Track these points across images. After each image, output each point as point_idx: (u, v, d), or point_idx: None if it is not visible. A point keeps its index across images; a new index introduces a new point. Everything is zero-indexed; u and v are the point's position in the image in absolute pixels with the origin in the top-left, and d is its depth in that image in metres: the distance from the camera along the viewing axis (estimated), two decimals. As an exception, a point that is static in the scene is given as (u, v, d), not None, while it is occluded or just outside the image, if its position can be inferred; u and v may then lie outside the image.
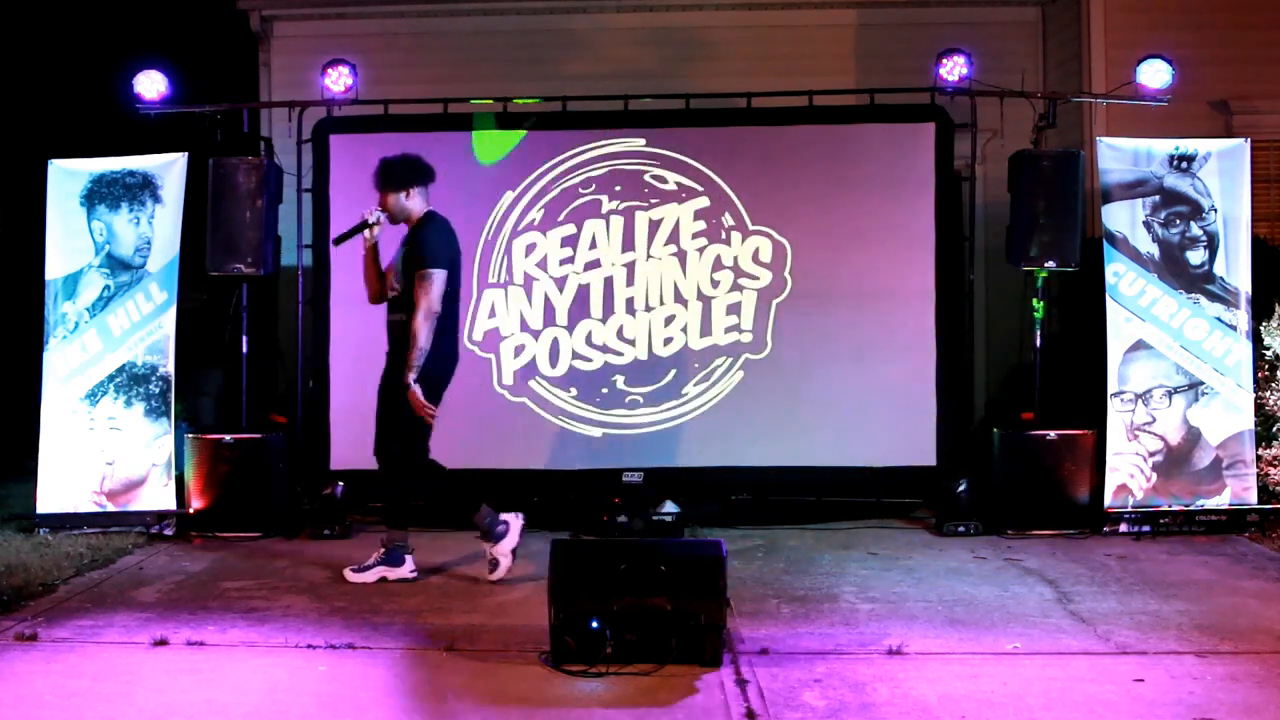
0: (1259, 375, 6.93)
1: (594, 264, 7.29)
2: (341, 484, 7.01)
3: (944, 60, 7.08)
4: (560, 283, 7.31)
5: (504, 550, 5.76)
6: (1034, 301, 7.02)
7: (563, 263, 7.30)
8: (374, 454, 5.82)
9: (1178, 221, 6.90)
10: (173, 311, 6.97)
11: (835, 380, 7.25)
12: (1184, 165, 6.92)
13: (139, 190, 7.05)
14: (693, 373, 7.29)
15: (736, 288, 7.29)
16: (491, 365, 7.32)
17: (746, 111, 7.43)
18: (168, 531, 6.81)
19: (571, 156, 7.33)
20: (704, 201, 7.29)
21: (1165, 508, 6.75)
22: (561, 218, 7.31)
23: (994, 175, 7.65)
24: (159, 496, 6.87)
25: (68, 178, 7.06)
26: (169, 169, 7.06)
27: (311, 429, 7.28)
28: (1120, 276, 6.87)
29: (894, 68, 8.10)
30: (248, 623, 5.10)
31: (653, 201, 7.30)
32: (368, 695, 4.23)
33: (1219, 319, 6.82)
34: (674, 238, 7.29)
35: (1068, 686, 4.27)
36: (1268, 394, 6.96)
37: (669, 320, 7.29)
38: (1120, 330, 6.85)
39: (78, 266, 7.00)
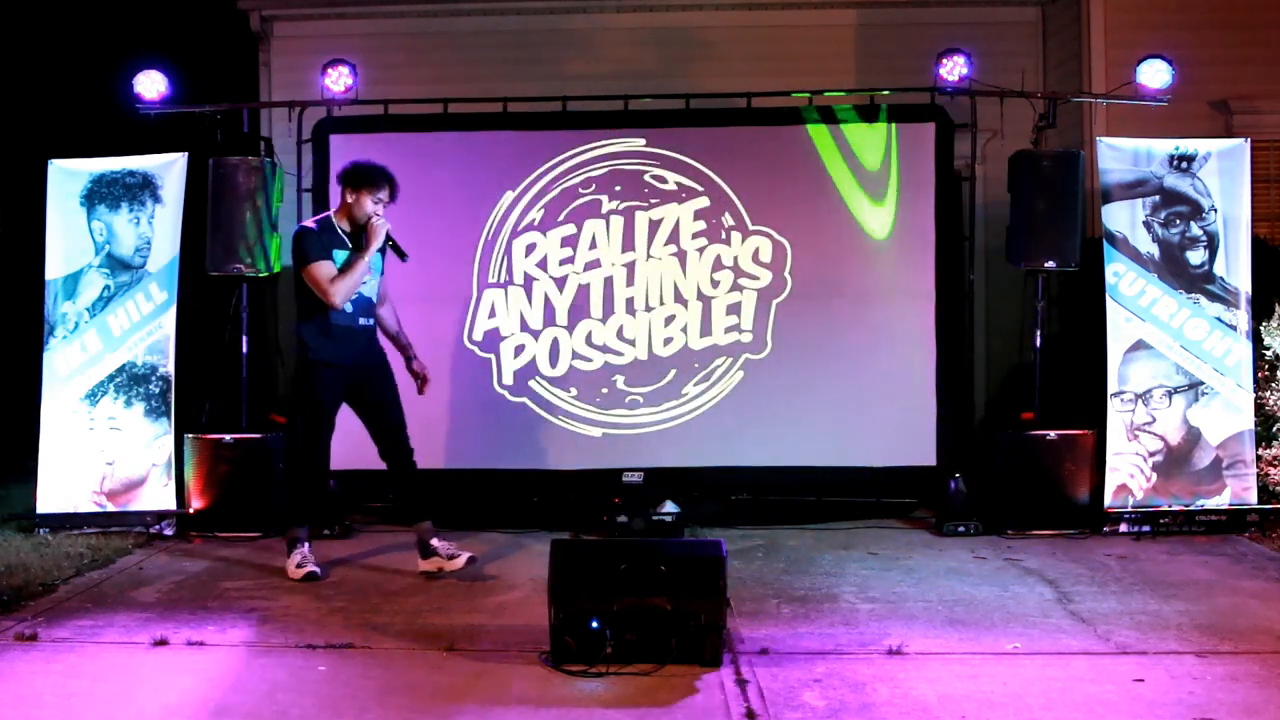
0: (1259, 375, 6.93)
1: (594, 264, 7.29)
2: (335, 483, 7.03)
3: (944, 60, 7.07)
4: (560, 283, 7.30)
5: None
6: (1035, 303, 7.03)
7: (563, 263, 7.30)
8: (409, 453, 6.02)
9: (1178, 221, 6.90)
10: (173, 311, 6.97)
11: (835, 380, 7.24)
12: (1184, 165, 6.92)
13: (139, 190, 7.05)
14: (693, 373, 7.28)
15: (736, 288, 7.29)
16: (491, 365, 7.32)
17: (746, 111, 7.43)
18: (168, 531, 6.81)
19: (571, 156, 7.33)
20: (704, 201, 7.28)
21: (1165, 508, 6.75)
22: (561, 218, 7.31)
23: (994, 175, 7.65)
24: (159, 496, 6.87)
25: (68, 178, 7.06)
26: (169, 169, 7.06)
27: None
28: (1120, 276, 6.87)
29: (894, 68, 8.09)
30: (248, 623, 5.10)
31: (653, 201, 7.30)
32: (368, 695, 4.23)
33: (1219, 319, 6.82)
34: (674, 238, 7.28)
35: (1068, 686, 4.27)
36: (1268, 394, 6.96)
37: (669, 320, 7.29)
38: (1120, 330, 6.85)
39: (78, 266, 7.00)
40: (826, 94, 7.35)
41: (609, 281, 7.29)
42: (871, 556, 6.30)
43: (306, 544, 5.83)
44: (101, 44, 11.46)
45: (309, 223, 6.06)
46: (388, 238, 5.89)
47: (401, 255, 6.00)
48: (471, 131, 7.45)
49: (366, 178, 5.84)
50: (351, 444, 7.26)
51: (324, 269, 5.76)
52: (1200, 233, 6.89)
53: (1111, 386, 6.82)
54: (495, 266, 7.33)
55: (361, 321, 5.90)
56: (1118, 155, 6.96)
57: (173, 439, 6.92)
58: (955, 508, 6.89)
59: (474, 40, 9.16)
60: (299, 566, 5.76)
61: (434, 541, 5.86)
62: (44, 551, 6.25)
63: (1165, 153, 6.94)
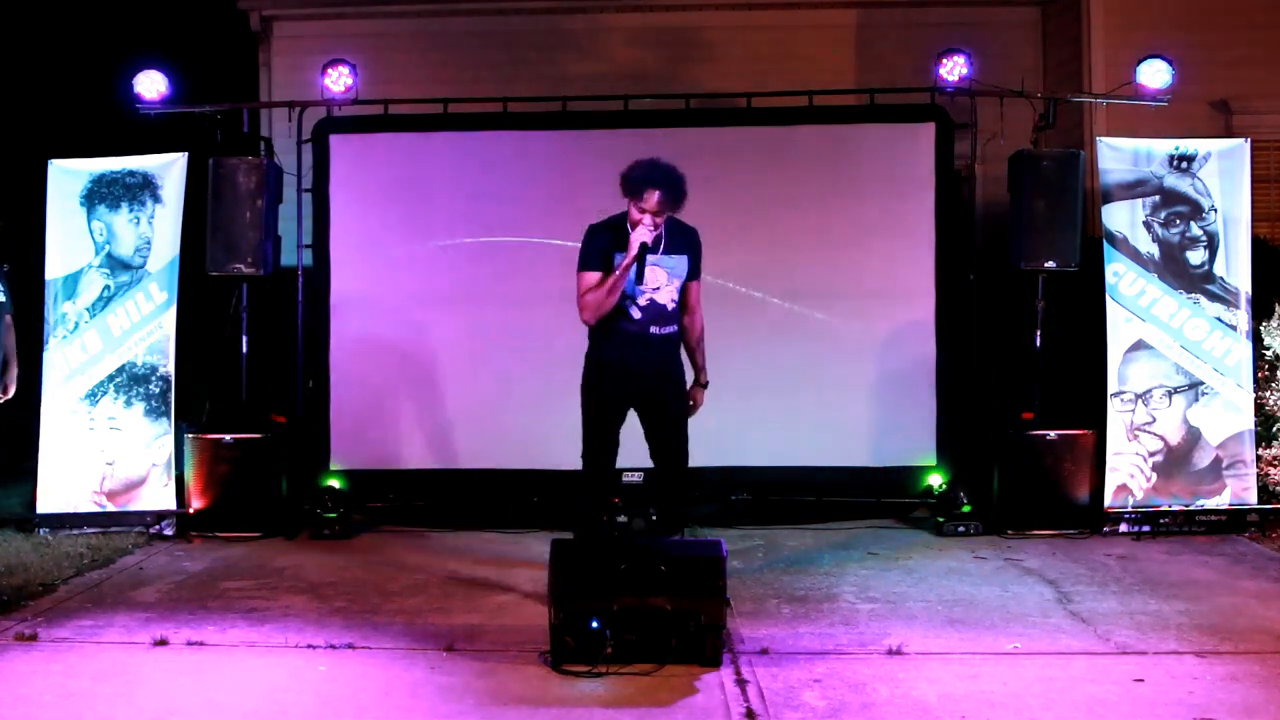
0: (1259, 375, 6.93)
1: (594, 264, 7.27)
2: (335, 483, 7.07)
3: (944, 60, 7.07)
4: (560, 283, 7.29)
5: None
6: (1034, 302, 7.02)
7: (563, 263, 7.29)
8: (676, 472, 5.50)
9: (1178, 221, 6.90)
10: (173, 311, 6.97)
11: (835, 380, 7.24)
12: (1184, 165, 6.92)
13: (139, 190, 7.05)
14: (692, 373, 7.26)
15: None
16: (491, 365, 7.31)
17: (746, 111, 7.42)
18: (168, 531, 6.81)
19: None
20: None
21: (1165, 508, 6.75)
22: (561, 217, 7.30)
23: (994, 175, 7.65)
24: (159, 496, 6.87)
25: (68, 178, 7.05)
26: (169, 169, 7.06)
27: (311, 429, 7.27)
28: (1120, 276, 6.87)
29: (894, 68, 8.10)
30: (248, 623, 5.10)
31: (653, 201, 7.28)
32: (368, 695, 4.23)
33: (1219, 319, 6.82)
34: (674, 238, 7.27)
35: (1068, 686, 4.27)
36: (1268, 394, 6.96)
37: (669, 320, 7.27)
38: (1120, 330, 6.85)
39: (78, 266, 7.00)
40: (826, 94, 7.34)
41: (609, 281, 7.26)
42: (871, 556, 6.30)
43: None
44: (101, 44, 11.47)
45: (598, 221, 5.36)
46: (643, 249, 5.08)
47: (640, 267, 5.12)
48: (471, 131, 7.44)
49: (626, 184, 5.13)
50: (353, 443, 7.29)
51: (584, 279, 5.21)
52: (1200, 233, 6.89)
53: (1111, 386, 6.82)
54: (495, 266, 7.31)
55: (654, 330, 5.27)
56: (1118, 155, 6.96)
57: (173, 439, 6.92)
58: (955, 508, 6.89)
59: (474, 40, 9.16)
60: None
61: None
62: (44, 551, 6.25)
63: (1165, 153, 6.94)
